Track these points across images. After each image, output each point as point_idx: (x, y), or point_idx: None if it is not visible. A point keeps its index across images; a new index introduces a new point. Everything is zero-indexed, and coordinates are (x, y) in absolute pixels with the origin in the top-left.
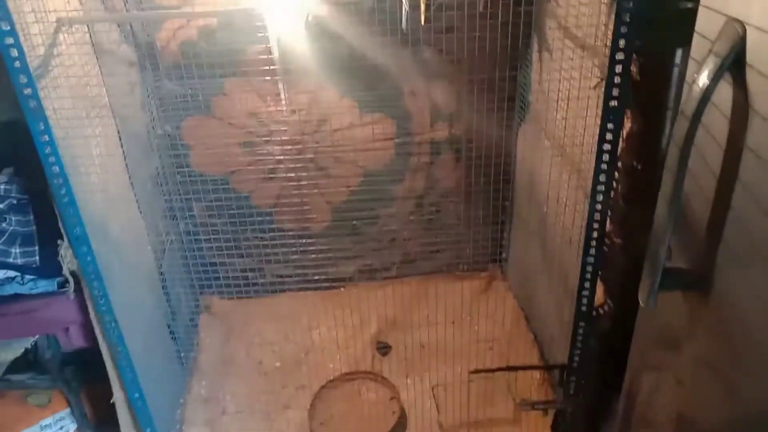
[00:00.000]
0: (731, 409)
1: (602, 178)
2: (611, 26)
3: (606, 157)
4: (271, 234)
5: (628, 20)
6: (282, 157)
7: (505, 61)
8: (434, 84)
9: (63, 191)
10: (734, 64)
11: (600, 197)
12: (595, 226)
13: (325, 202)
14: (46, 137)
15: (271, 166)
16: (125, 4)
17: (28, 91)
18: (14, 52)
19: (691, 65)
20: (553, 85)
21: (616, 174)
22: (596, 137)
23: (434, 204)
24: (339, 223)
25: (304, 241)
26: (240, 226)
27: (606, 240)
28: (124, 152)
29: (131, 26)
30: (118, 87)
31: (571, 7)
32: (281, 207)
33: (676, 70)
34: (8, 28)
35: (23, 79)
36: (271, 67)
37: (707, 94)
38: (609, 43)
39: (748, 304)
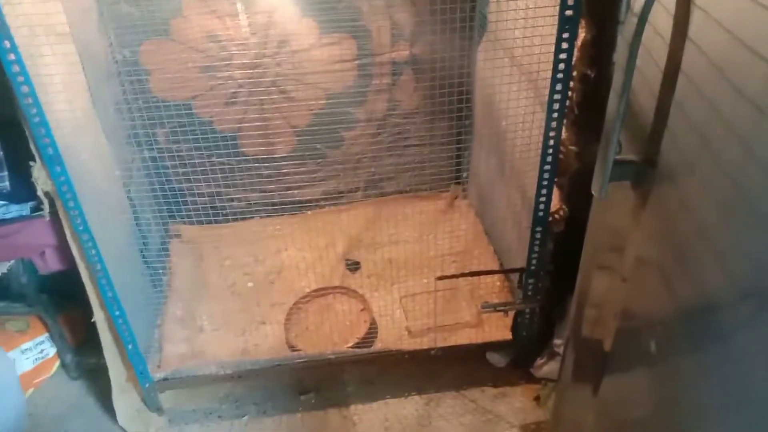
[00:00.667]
0: (670, 304)
1: (558, 86)
2: None
3: (561, 66)
4: (236, 159)
5: None
6: (243, 81)
7: None
8: (393, 2)
9: (34, 111)
10: None
11: (556, 105)
12: (552, 134)
13: (288, 126)
14: (13, 56)
15: (232, 90)
16: None
17: None
18: None
19: None
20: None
21: (571, 83)
22: (551, 47)
23: (396, 125)
24: (303, 146)
25: (269, 165)
26: (205, 152)
27: (561, 147)
28: (86, 77)
29: None
30: (73, 9)
31: None
32: (245, 131)
33: None
34: None
35: None
36: None
37: None
38: None
39: (690, 192)
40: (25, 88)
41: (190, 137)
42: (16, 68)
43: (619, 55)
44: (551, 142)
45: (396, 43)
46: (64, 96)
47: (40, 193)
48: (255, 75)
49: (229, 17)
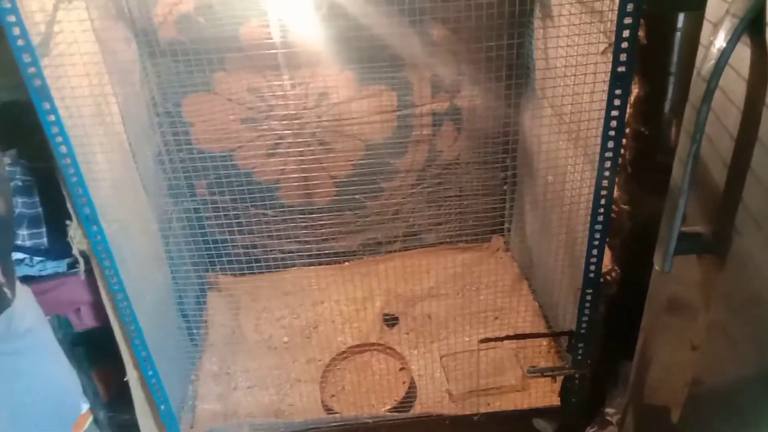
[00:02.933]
0: (745, 375)
1: (610, 144)
2: None
3: (614, 123)
4: (275, 209)
5: None
6: (284, 132)
7: (506, 28)
8: (434, 54)
9: (72, 171)
10: (752, 24)
11: (608, 163)
12: (603, 192)
13: (328, 176)
14: (53, 117)
15: (273, 142)
16: None
17: (32, 69)
18: (17, 30)
19: (706, 27)
20: (555, 51)
21: (623, 140)
22: (602, 103)
23: (436, 176)
24: (342, 197)
25: (308, 215)
26: (244, 203)
27: (613, 206)
28: (126, 131)
29: (127, 1)
30: (117, 65)
31: None
32: (285, 182)
33: (678, 34)
34: (9, 5)
35: (27, 58)
36: (270, 41)
37: (725, 55)
38: (615, 8)
39: (765, 268)
40: (63, 149)
41: (230, 188)
42: (55, 129)
43: (687, 119)
44: (602, 201)
45: (437, 95)
46: (104, 154)
47: (75, 251)
48: (295, 126)
49: (271, 70)
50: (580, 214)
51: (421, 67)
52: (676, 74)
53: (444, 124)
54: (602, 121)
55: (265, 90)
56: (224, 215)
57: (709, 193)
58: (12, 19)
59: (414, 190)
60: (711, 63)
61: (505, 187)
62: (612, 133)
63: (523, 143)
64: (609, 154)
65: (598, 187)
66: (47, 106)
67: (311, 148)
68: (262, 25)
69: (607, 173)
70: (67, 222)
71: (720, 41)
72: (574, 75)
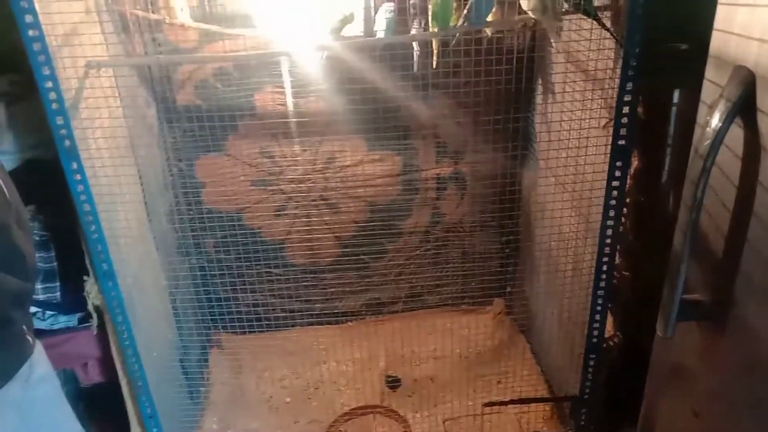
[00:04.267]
0: None
1: (611, 213)
2: (614, 67)
3: (614, 193)
4: (281, 269)
5: (634, 64)
6: (292, 194)
7: (510, 100)
8: (440, 122)
9: (93, 228)
10: (744, 108)
11: (609, 232)
12: (605, 259)
13: (333, 237)
14: (79, 176)
15: (281, 203)
16: (144, 48)
17: (63, 131)
18: (53, 95)
19: (702, 108)
20: (557, 125)
21: (624, 209)
22: (604, 174)
23: (440, 238)
24: (347, 257)
25: (312, 275)
26: (250, 261)
27: (615, 273)
28: (143, 190)
29: (149, 68)
30: (138, 127)
31: (574, 51)
32: (291, 242)
33: (674, 109)
34: (48, 72)
35: (60, 120)
36: (284, 107)
37: (719, 136)
38: (615, 86)
39: (763, 335)
40: (87, 207)
41: (237, 247)
42: (80, 187)
43: (686, 192)
44: (605, 268)
45: (441, 160)
46: (123, 211)
47: (90, 307)
48: (303, 188)
49: (283, 135)
50: (583, 279)
51: (427, 133)
52: (672, 146)
53: (448, 188)
54: (604, 191)
55: (276, 153)
56: (230, 273)
57: (709, 262)
58: (49, 85)
59: (417, 252)
60: (707, 143)
61: (507, 251)
62: (613, 202)
63: (526, 208)
64: (610, 223)
65: (600, 254)
66: (75, 165)
67: (318, 209)
68: (276, 92)
69: (608, 241)
70: (85, 277)
71: (715, 122)
72: (577, 147)
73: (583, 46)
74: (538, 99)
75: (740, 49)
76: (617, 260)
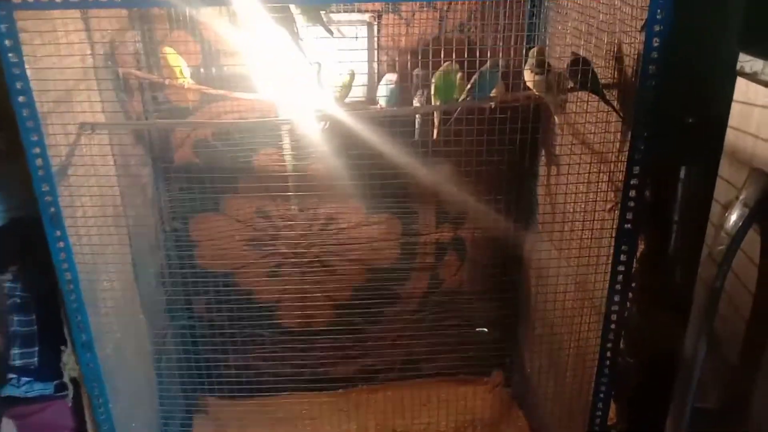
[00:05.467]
0: None
1: (616, 298)
2: (620, 147)
3: (620, 278)
4: (271, 331)
5: (642, 147)
6: (287, 255)
7: (511, 170)
8: (441, 188)
9: (73, 297)
10: (761, 213)
11: (614, 317)
12: (609, 345)
13: (328, 300)
14: (62, 244)
15: (276, 263)
16: (144, 107)
17: (48, 198)
18: (39, 162)
19: (715, 207)
20: (561, 197)
21: (629, 294)
22: (609, 254)
23: (438, 304)
24: (341, 321)
25: (305, 338)
26: (241, 322)
27: (619, 359)
28: (131, 251)
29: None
30: (131, 187)
31: (579, 125)
32: (284, 303)
33: (680, 186)
34: (36, 138)
35: (45, 187)
36: (283, 167)
37: (736, 241)
38: (622, 166)
39: None
40: (68, 275)
41: (229, 306)
42: (63, 255)
43: (698, 298)
44: (608, 354)
45: (441, 225)
46: (107, 275)
47: (66, 378)
48: (300, 250)
49: (280, 195)
50: (587, 359)
51: (427, 198)
52: (681, 228)
53: (447, 253)
54: (608, 273)
55: (273, 214)
56: (220, 334)
57: (723, 369)
58: (36, 150)
59: (414, 318)
60: (722, 247)
61: (507, 320)
62: (618, 287)
63: (526, 278)
64: (615, 308)
65: (605, 339)
66: (58, 233)
67: (313, 271)
68: (276, 153)
69: (613, 326)
70: (62, 347)
71: (731, 226)
72: (581, 221)
73: (588, 121)
74: (541, 170)
75: (757, 150)
76: (622, 345)
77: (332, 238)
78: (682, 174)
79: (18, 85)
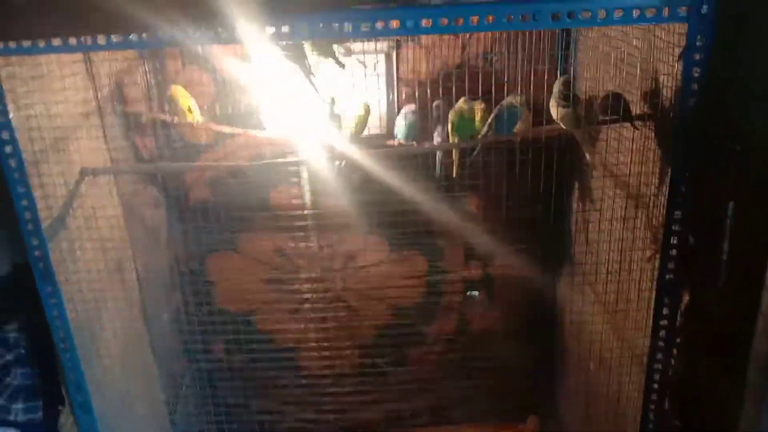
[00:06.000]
0: None
1: (659, 356)
2: (659, 187)
3: (662, 333)
4: (293, 374)
5: (683, 190)
6: (308, 295)
7: (542, 205)
8: (468, 224)
9: (68, 356)
10: None
11: (657, 376)
12: (652, 407)
13: (351, 341)
14: (55, 300)
15: (296, 304)
16: (157, 145)
17: (38, 253)
18: (28, 215)
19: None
20: (595, 236)
21: (674, 350)
22: (650, 304)
23: (467, 346)
24: (365, 364)
25: (326, 383)
26: (260, 363)
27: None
28: (141, 295)
29: (158, 167)
30: (141, 229)
31: (612, 164)
32: (305, 345)
33: (729, 224)
34: (23, 190)
35: (35, 242)
36: (300, 203)
37: None
38: (660, 207)
39: None
40: (61, 333)
41: (248, 348)
42: (55, 312)
43: (755, 355)
44: (651, 416)
45: (469, 262)
46: (113, 326)
47: None
48: (320, 289)
49: (299, 232)
50: (627, 417)
51: (454, 234)
52: (730, 274)
53: (476, 292)
54: (650, 323)
55: (291, 251)
56: (241, 377)
57: None
58: (24, 203)
59: (442, 360)
60: None
61: (541, 364)
62: (661, 344)
63: (561, 320)
64: (658, 366)
65: (647, 400)
66: (50, 289)
67: (335, 312)
68: (292, 188)
69: (656, 386)
70: (60, 407)
71: None
72: (618, 263)
73: (623, 157)
74: (574, 206)
75: None
76: (667, 405)
77: (354, 277)
78: (729, 211)
79: (4, 135)
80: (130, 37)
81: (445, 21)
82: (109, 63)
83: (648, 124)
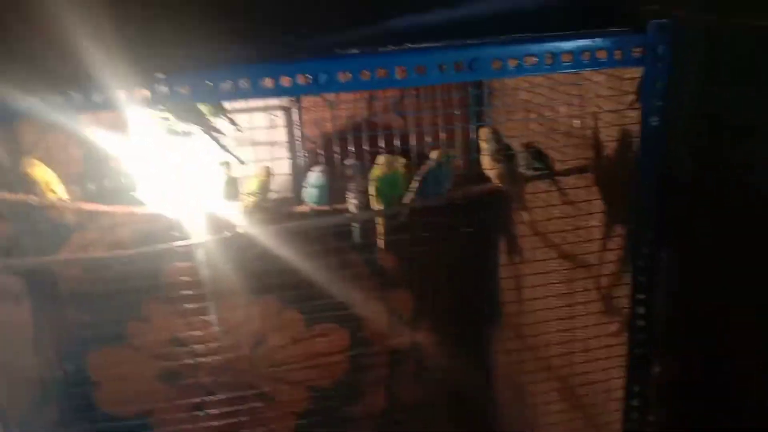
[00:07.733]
0: None
1: None
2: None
3: (635, 415)
4: None
5: (640, 266)
6: (212, 387)
7: (474, 267)
8: (391, 289)
9: None
10: None
11: None
12: None
13: None
14: None
15: (199, 399)
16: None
17: None
18: None
19: None
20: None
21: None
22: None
23: (398, 422)
24: None
25: None
26: None
27: None
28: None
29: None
30: None
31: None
32: None
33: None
34: None
35: None
36: (198, 279)
37: None
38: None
39: None
40: None
41: None
42: None
43: None
44: None
45: (394, 330)
46: None
47: None
48: (227, 378)
49: (197, 316)
50: None
51: (376, 302)
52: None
53: (404, 363)
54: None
55: (190, 339)
56: None
57: None
58: None
59: None
60: None
61: None
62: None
63: (504, 390)
64: None
65: None
66: None
67: (247, 403)
68: (186, 265)
69: None
70: None
71: None
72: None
73: (562, 216)
74: (505, 272)
75: None
76: None
77: (266, 359)
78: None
79: None
80: None
81: (367, 74)
82: None
83: (589, 177)
